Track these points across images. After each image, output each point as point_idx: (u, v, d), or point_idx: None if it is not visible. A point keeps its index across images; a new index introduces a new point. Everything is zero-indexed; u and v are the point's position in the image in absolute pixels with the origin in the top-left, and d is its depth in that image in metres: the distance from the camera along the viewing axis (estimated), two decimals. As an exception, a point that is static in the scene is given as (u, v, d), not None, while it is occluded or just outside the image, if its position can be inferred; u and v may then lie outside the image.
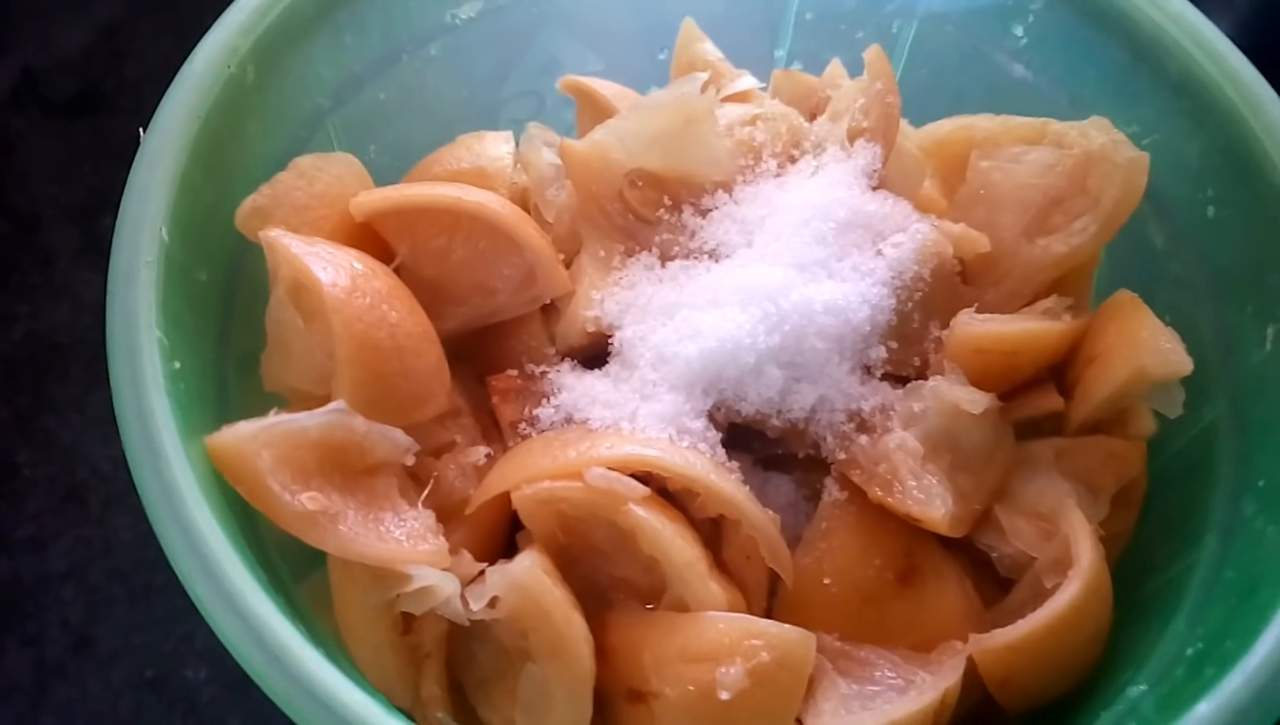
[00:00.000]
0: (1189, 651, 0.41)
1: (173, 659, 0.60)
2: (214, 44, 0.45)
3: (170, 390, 0.38)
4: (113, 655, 0.60)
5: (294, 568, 0.44)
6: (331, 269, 0.43)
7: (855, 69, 0.55)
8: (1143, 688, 0.41)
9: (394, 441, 0.43)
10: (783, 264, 0.48)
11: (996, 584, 0.49)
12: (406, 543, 0.42)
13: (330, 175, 0.48)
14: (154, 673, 0.60)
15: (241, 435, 0.40)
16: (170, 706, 0.59)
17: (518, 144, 0.54)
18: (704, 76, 0.51)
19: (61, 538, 0.63)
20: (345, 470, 0.42)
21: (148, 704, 0.59)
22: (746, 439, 0.49)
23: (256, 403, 0.45)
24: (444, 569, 0.42)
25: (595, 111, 0.56)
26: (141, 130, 0.42)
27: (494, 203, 0.48)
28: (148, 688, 0.59)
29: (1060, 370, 0.52)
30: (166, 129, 0.42)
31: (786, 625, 0.42)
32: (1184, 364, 0.47)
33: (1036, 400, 0.51)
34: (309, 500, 0.40)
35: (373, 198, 0.48)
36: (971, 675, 0.45)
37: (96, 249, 0.71)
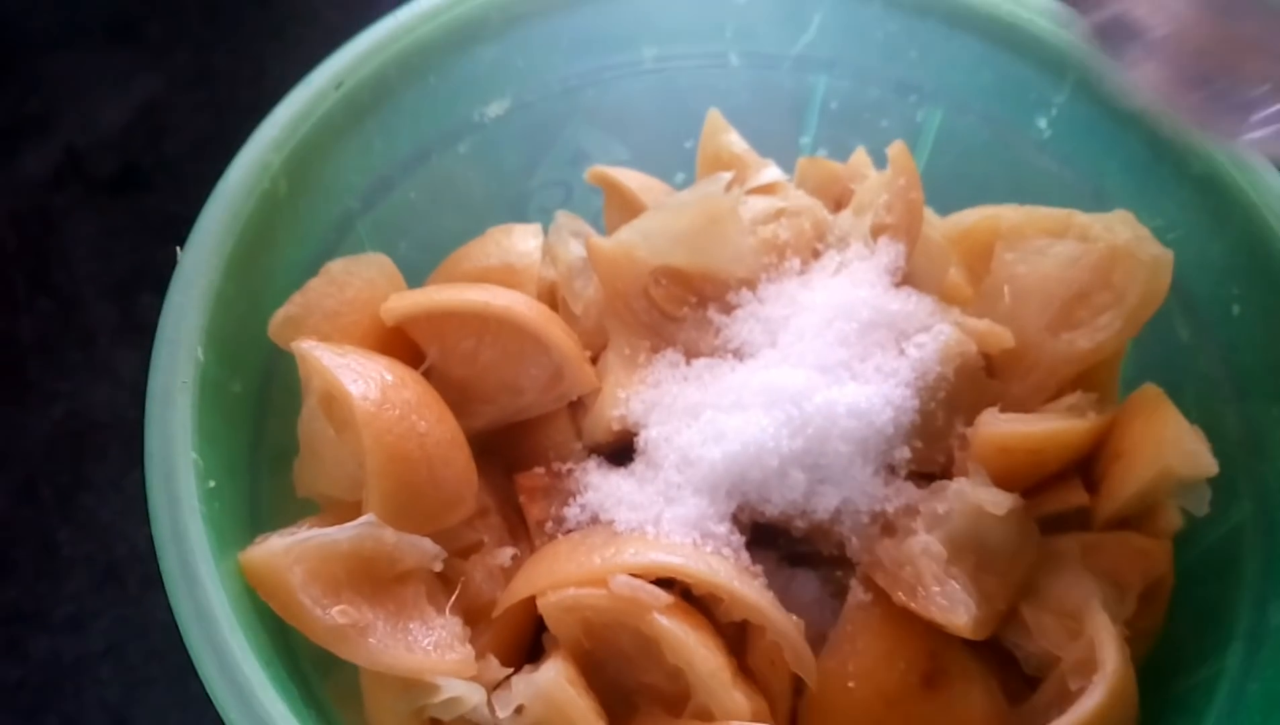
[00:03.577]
0: (1215, 769, 0.41)
1: (208, 739, 0.61)
2: (247, 161, 0.46)
3: (205, 513, 0.39)
4: (150, 736, 0.61)
5: (322, 664, 0.45)
6: (362, 382, 0.44)
7: (880, 156, 0.55)
8: (1168, 803, 0.41)
9: (423, 550, 0.44)
10: (806, 366, 0.48)
11: (1024, 681, 0.49)
12: (434, 653, 0.42)
13: (361, 279, 0.49)
14: (190, 753, 0.61)
15: (274, 551, 0.41)
16: (205, 787, 0.60)
17: (546, 232, 0.55)
18: (728, 176, 0.52)
19: (100, 617, 0.64)
20: (375, 580, 0.43)
21: (183, 785, 0.60)
22: (772, 536, 0.49)
23: (288, 503, 0.46)
24: (471, 677, 0.43)
25: (622, 202, 0.57)
26: (179, 249, 0.44)
27: (521, 305, 0.49)
28: (184, 768, 0.60)
29: (1086, 464, 0.52)
30: (202, 248, 0.43)
31: (810, 735, 0.42)
32: (1209, 465, 0.47)
33: (1062, 495, 0.51)
34: (339, 614, 0.40)
35: (403, 303, 0.49)
36: (996, 779, 0.45)
37: (135, 326, 0.73)
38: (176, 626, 0.64)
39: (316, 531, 0.42)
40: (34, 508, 0.67)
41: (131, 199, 0.78)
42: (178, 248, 0.44)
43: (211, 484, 0.40)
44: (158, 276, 0.72)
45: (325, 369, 0.44)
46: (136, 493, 0.67)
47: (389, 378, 0.45)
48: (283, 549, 0.41)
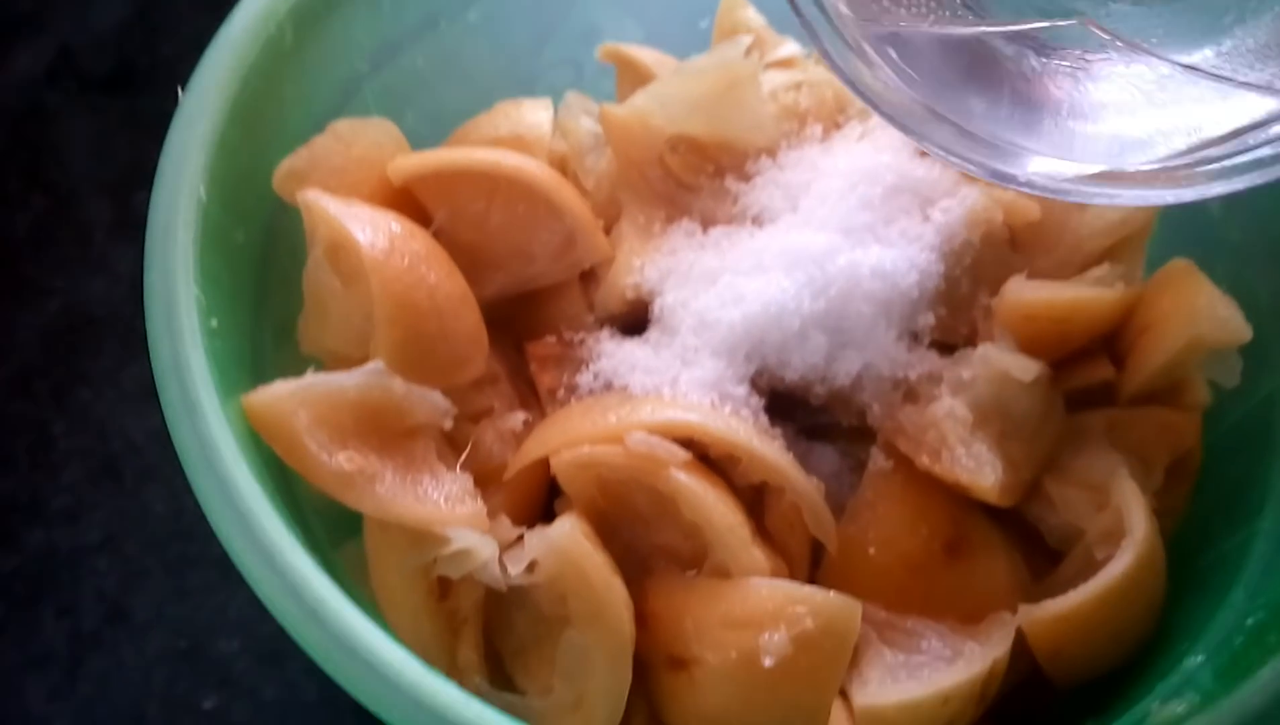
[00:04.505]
0: (1249, 621, 0.40)
1: (206, 630, 0.60)
2: (253, 5, 0.44)
3: (208, 347, 0.37)
4: (147, 626, 0.60)
5: (331, 535, 0.44)
6: (370, 230, 0.42)
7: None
8: (1200, 658, 0.40)
9: (433, 404, 0.42)
10: (829, 229, 0.47)
11: (1045, 557, 0.48)
12: (444, 505, 0.41)
13: (368, 140, 0.48)
14: (187, 644, 0.59)
15: (278, 394, 0.39)
16: (204, 677, 0.59)
17: (556, 112, 0.54)
18: (748, 40, 0.50)
19: (97, 509, 0.62)
20: (383, 432, 0.41)
21: (181, 674, 0.59)
22: (790, 408, 0.48)
23: (292, 371, 0.45)
24: (482, 533, 0.42)
25: (635, 79, 0.55)
26: (180, 89, 0.42)
27: (533, 167, 0.48)
28: (181, 659, 0.59)
29: (1111, 340, 0.50)
30: (205, 88, 0.42)
31: (831, 592, 0.41)
32: (1242, 331, 0.45)
33: (1087, 370, 0.49)
34: (346, 460, 0.39)
35: (411, 161, 0.47)
36: (1019, 648, 0.44)
37: (131, 222, 0.71)
38: (172, 519, 0.63)
39: (323, 377, 0.40)
40: (29, 401, 0.65)
41: (127, 98, 0.76)
42: (179, 89, 0.42)
43: (214, 323, 0.39)
44: (154, 174, 0.70)
45: (332, 217, 0.42)
46: (133, 388, 0.67)
47: (397, 228, 0.44)
48: (288, 392, 0.39)
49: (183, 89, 0.42)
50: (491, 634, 0.45)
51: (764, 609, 0.40)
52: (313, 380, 0.40)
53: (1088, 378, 0.49)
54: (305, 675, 0.59)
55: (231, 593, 0.61)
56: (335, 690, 0.59)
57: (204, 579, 0.61)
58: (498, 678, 0.44)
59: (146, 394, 0.66)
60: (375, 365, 0.41)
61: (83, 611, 0.60)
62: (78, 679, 0.58)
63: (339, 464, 0.39)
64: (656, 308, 0.48)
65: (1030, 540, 0.48)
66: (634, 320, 0.50)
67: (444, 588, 0.43)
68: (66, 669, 0.58)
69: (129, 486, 0.63)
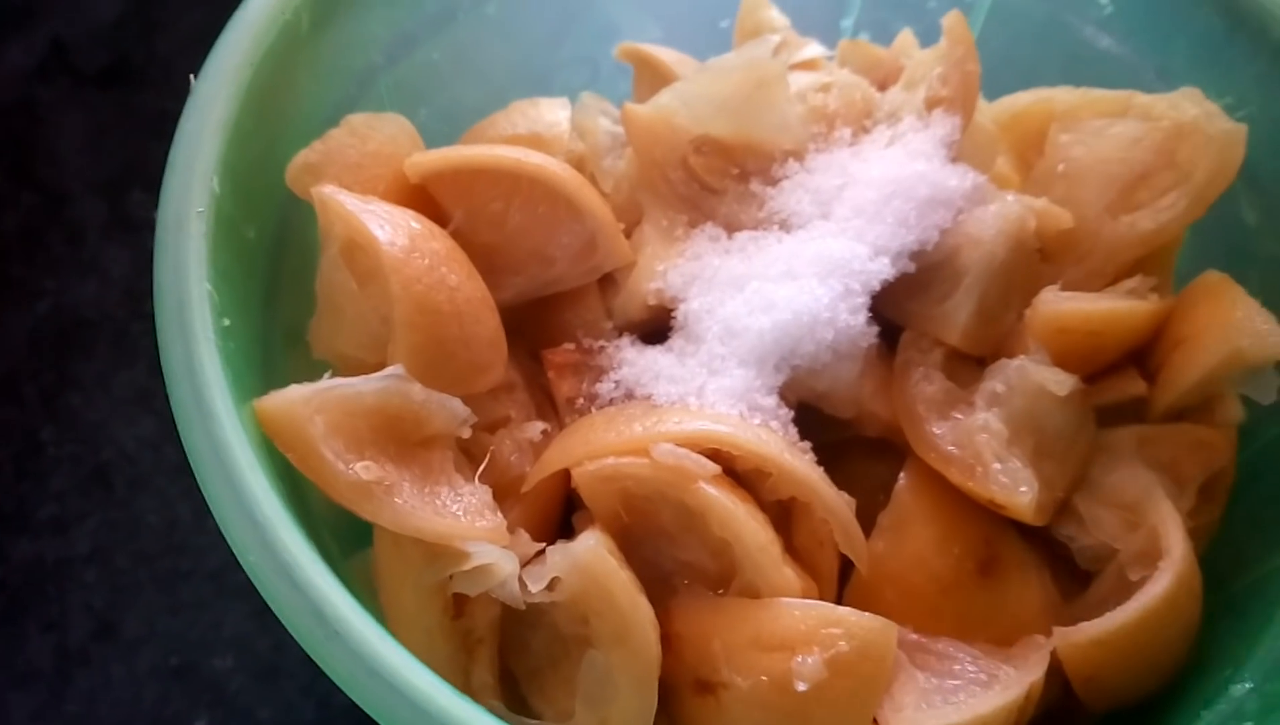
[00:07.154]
0: (1299, 649, 0.39)
1: (199, 647, 0.58)
2: (269, -11, 0.42)
3: (220, 347, 0.35)
4: (137, 642, 0.57)
5: (340, 546, 0.42)
6: (389, 227, 0.41)
7: (927, 40, 0.52)
8: (1248, 685, 0.39)
9: (451, 411, 0.41)
10: (866, 243, 0.45)
11: (1074, 578, 0.47)
12: (464, 518, 0.39)
13: (383, 135, 0.46)
14: (179, 661, 0.57)
15: (293, 399, 0.37)
16: (196, 696, 0.56)
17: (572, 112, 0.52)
18: (776, 39, 0.49)
19: (86, 519, 0.60)
20: (400, 441, 0.40)
21: (173, 693, 0.56)
22: (816, 422, 0.46)
23: (303, 376, 0.43)
24: (503, 548, 0.40)
25: (654, 80, 0.54)
26: (193, 77, 0.40)
27: (555, 166, 0.46)
28: (173, 677, 0.57)
29: (1142, 355, 0.49)
30: (219, 74, 0.40)
31: (866, 614, 0.39)
32: (1282, 346, 0.44)
33: (1119, 385, 0.48)
34: (363, 470, 0.37)
35: (429, 158, 0.45)
36: (1053, 671, 0.42)
37: (125, 224, 0.69)
38: (165, 531, 0.60)
39: (340, 381, 0.38)
40: (16, 406, 0.63)
41: (122, 94, 0.74)
42: (191, 76, 0.40)
43: (226, 322, 0.37)
44: (150, 173, 0.68)
45: (350, 214, 0.41)
46: (125, 394, 0.64)
47: (416, 226, 0.42)
48: (303, 398, 0.37)
49: (195, 76, 0.40)
50: (505, 654, 0.43)
51: (797, 631, 0.38)
52: (329, 384, 0.38)
53: (1118, 393, 0.48)
54: (301, 695, 0.57)
55: (225, 608, 0.58)
56: (332, 712, 0.57)
57: (197, 593, 0.59)
58: (513, 700, 0.42)
59: (139, 400, 0.64)
60: (395, 369, 0.39)
61: (70, 626, 0.57)
62: (64, 698, 0.56)
63: (356, 474, 0.37)
64: (680, 314, 0.46)
65: (1058, 561, 0.47)
66: (653, 328, 0.48)
67: (459, 606, 0.41)
68: (52, 687, 0.56)
69: (120, 496, 0.61)
